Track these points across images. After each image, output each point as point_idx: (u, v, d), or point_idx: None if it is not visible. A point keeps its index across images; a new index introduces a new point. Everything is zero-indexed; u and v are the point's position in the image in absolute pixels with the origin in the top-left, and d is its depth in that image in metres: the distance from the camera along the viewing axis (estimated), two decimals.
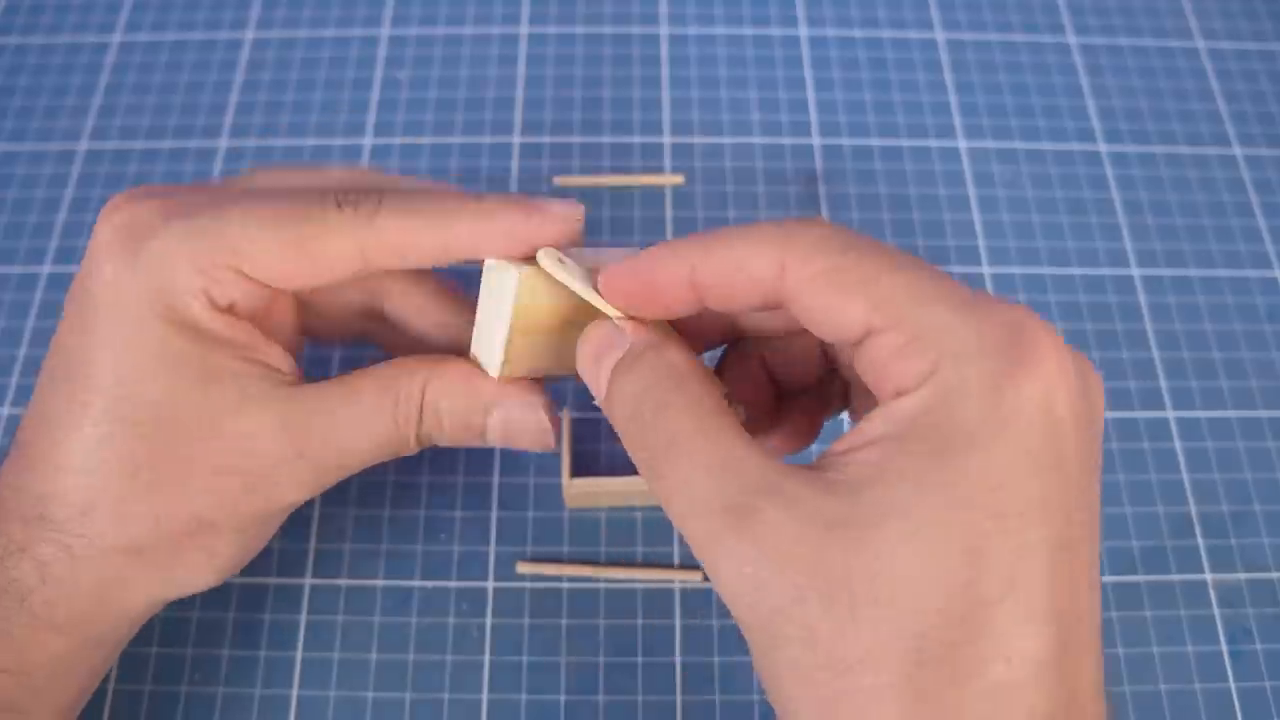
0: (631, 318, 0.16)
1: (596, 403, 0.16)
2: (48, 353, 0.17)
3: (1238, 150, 0.30)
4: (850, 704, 0.12)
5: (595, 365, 0.15)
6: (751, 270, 0.14)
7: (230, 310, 0.17)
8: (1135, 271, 0.27)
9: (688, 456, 0.13)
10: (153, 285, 0.16)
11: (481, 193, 0.17)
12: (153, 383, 0.16)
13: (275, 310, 0.18)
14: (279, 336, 0.18)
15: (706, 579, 0.23)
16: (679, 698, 0.21)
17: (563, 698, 0.21)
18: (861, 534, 0.12)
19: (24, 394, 0.25)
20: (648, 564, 0.23)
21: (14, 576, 0.16)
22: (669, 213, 0.28)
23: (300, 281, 0.17)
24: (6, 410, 0.25)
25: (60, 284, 0.27)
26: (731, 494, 0.13)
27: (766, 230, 0.14)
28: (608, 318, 0.16)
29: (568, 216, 0.16)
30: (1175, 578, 0.23)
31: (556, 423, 0.18)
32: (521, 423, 0.17)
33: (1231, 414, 0.25)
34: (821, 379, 0.18)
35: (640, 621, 0.22)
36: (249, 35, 0.31)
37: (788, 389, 0.18)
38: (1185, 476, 0.24)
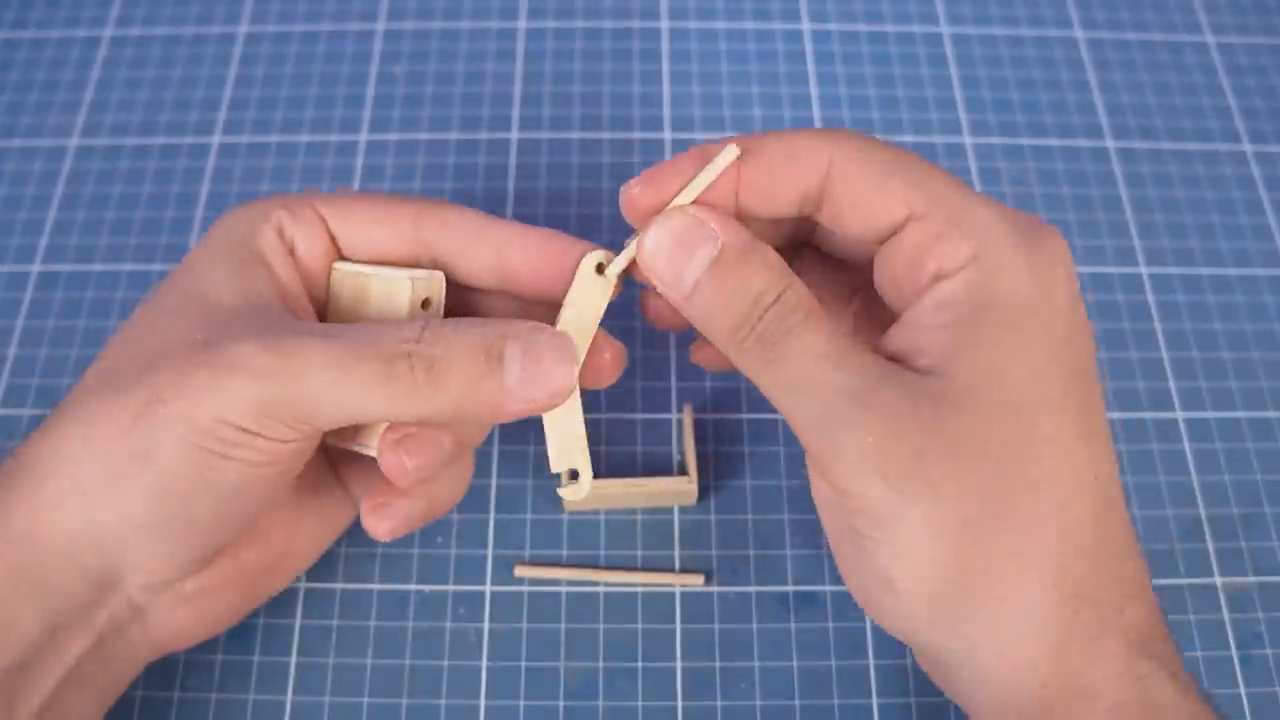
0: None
1: (666, 293, 0.16)
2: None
3: (1248, 147, 0.29)
4: (980, 547, 0.14)
5: (682, 257, 0.16)
6: (803, 157, 0.16)
7: (291, 250, 0.18)
8: (1143, 270, 0.27)
9: (810, 347, 0.15)
10: (244, 210, 0.18)
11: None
12: (195, 286, 0.17)
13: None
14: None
15: (707, 582, 0.22)
16: (680, 703, 0.21)
17: (562, 703, 0.21)
18: (959, 400, 0.14)
19: (15, 394, 0.25)
20: (648, 568, 0.23)
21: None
22: None
23: (364, 242, 0.18)
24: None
25: (50, 282, 0.27)
26: (851, 379, 0.15)
27: (813, 130, 0.16)
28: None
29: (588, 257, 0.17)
30: (1184, 581, 0.23)
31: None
32: (546, 345, 0.16)
33: (1241, 415, 0.25)
34: None
35: (640, 626, 0.22)
36: (242, 30, 0.31)
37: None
38: (1194, 478, 0.24)
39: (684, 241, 0.16)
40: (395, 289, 0.17)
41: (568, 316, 0.17)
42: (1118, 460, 0.16)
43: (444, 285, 0.18)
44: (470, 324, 0.16)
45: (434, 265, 0.18)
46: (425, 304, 0.18)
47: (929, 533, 0.14)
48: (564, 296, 0.17)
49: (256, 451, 0.16)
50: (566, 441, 0.18)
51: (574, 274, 0.17)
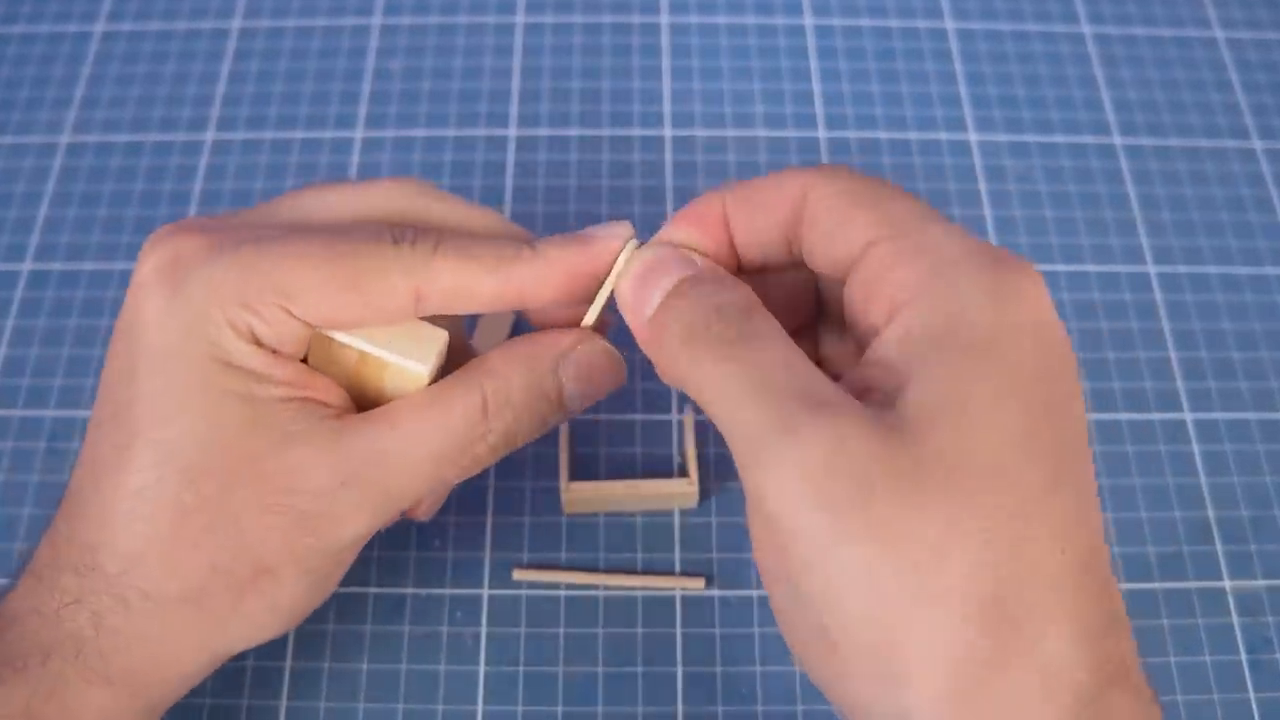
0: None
1: (629, 318, 0.16)
2: (97, 394, 0.17)
3: (1257, 144, 0.29)
4: (923, 606, 0.12)
5: (651, 279, 0.15)
6: (778, 192, 0.15)
7: (276, 350, 0.16)
8: (1151, 269, 0.27)
9: (770, 353, 0.14)
10: (195, 323, 0.15)
11: (532, 236, 0.17)
12: (195, 423, 0.15)
13: None
14: None
15: (708, 585, 0.22)
16: (680, 708, 0.21)
17: (560, 708, 0.21)
18: (915, 435, 0.13)
19: (6, 394, 0.25)
20: (648, 571, 0.22)
21: (69, 630, 0.15)
22: (669, 208, 0.27)
23: (348, 321, 0.16)
24: None
25: (41, 281, 0.26)
26: (809, 388, 0.13)
27: (796, 167, 0.16)
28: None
29: (619, 236, 0.16)
30: (1192, 585, 0.22)
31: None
32: (594, 356, 0.17)
33: (1251, 416, 0.25)
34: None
35: (640, 630, 0.22)
36: (236, 25, 0.31)
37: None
38: (1203, 480, 0.24)
39: (655, 269, 0.15)
40: (412, 376, 0.16)
41: (604, 298, 0.17)
42: (1102, 514, 0.13)
43: (447, 344, 0.17)
44: (517, 367, 0.16)
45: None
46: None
47: (866, 579, 0.12)
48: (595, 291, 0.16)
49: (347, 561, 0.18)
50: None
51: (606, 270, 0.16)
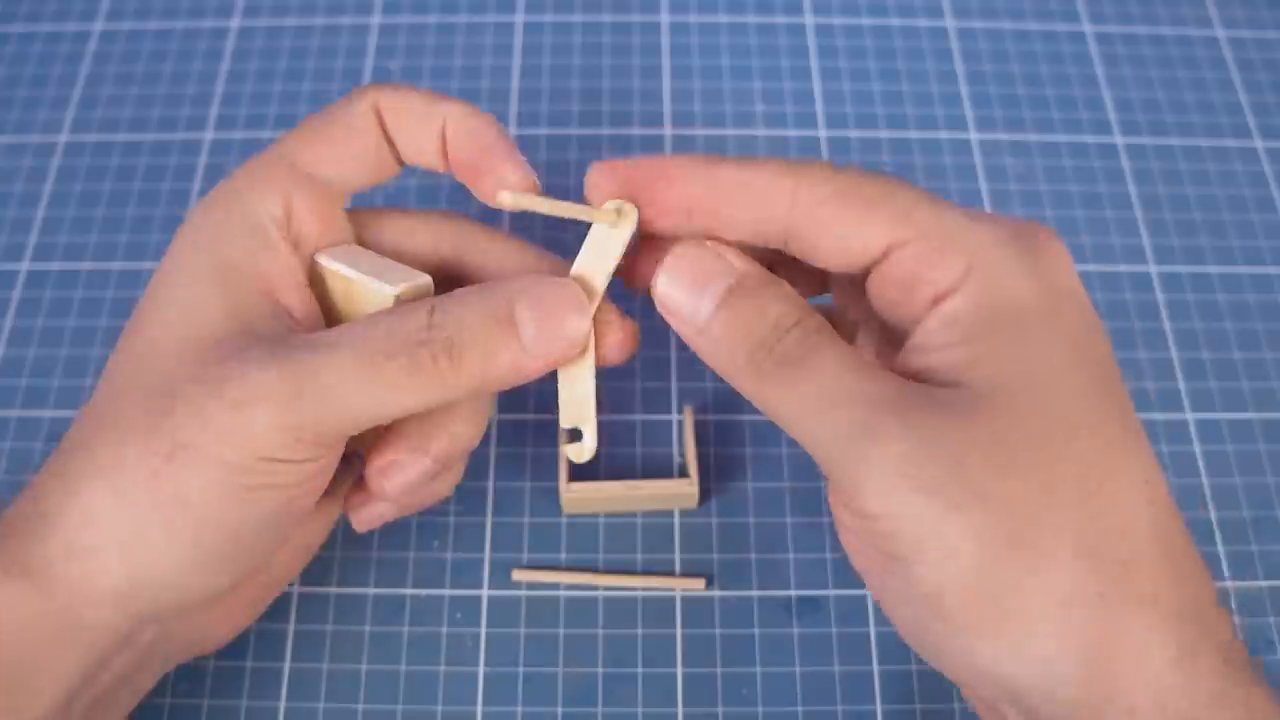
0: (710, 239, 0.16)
1: (679, 327, 0.16)
2: None
3: (1259, 143, 0.29)
4: (1035, 551, 0.13)
5: (697, 288, 0.15)
6: (759, 190, 0.15)
7: (288, 223, 0.17)
8: (1153, 268, 0.27)
9: (836, 363, 0.15)
10: (214, 203, 0.17)
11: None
12: (178, 309, 0.16)
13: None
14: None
15: (708, 586, 0.22)
16: (680, 709, 0.21)
17: (560, 709, 0.21)
18: (990, 407, 0.13)
19: (4, 395, 0.25)
20: (647, 572, 0.22)
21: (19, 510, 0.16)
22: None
23: (342, 162, 0.17)
24: None
25: (39, 281, 0.26)
26: (882, 390, 0.14)
27: (777, 162, 0.15)
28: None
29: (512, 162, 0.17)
30: None
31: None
32: (553, 297, 0.16)
33: (1253, 416, 0.25)
34: None
35: (640, 631, 0.22)
36: (235, 24, 0.30)
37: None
38: (1205, 481, 0.24)
39: (699, 273, 0.15)
40: (380, 298, 0.17)
41: (578, 265, 0.17)
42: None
43: (432, 290, 0.18)
44: (472, 293, 0.16)
45: (402, 161, 0.18)
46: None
47: (977, 540, 0.13)
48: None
49: (289, 476, 0.15)
50: (577, 399, 0.17)
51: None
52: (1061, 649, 0.13)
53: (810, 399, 0.14)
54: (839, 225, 0.15)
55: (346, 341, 0.15)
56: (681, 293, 0.15)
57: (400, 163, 0.18)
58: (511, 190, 0.16)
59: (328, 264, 0.17)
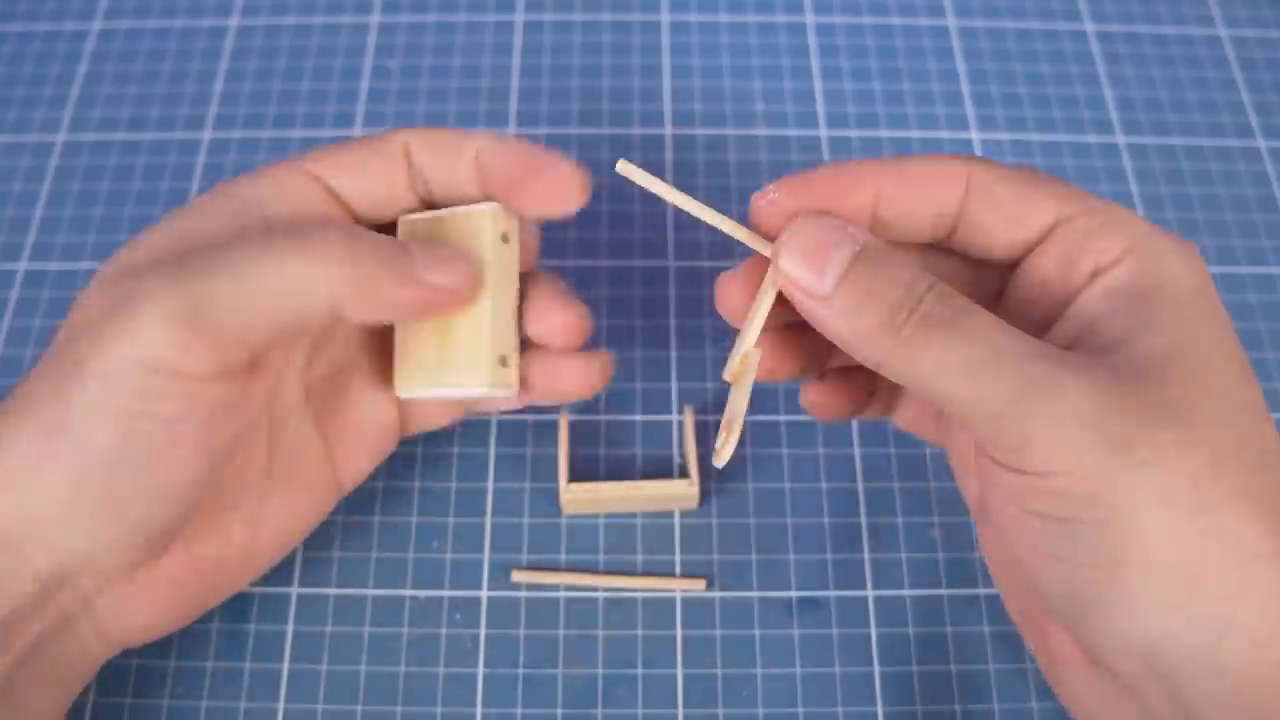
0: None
1: (802, 300, 0.15)
2: None
3: (1261, 142, 0.29)
4: (1219, 515, 0.13)
5: (821, 256, 0.15)
6: (941, 175, 0.16)
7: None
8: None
9: (989, 320, 0.14)
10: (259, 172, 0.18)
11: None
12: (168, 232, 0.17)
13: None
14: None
15: (709, 587, 0.22)
16: (680, 711, 0.21)
17: (560, 711, 0.21)
18: (1155, 371, 0.14)
19: (3, 396, 0.25)
20: (648, 573, 0.22)
21: None
22: (669, 206, 0.27)
23: (368, 184, 0.18)
24: None
25: (37, 281, 0.26)
26: (1045, 347, 0.14)
27: (944, 155, 0.16)
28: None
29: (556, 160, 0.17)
30: None
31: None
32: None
33: None
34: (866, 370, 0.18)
35: (640, 632, 0.22)
36: (234, 22, 0.30)
37: (836, 363, 0.19)
38: None
39: (824, 242, 0.15)
40: (477, 223, 0.17)
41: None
42: None
43: (518, 223, 0.18)
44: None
45: (427, 197, 0.18)
46: (504, 239, 0.18)
47: (1161, 501, 0.13)
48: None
49: (178, 400, 0.14)
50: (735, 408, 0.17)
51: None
52: (1238, 613, 0.13)
53: (971, 356, 0.14)
54: (1012, 202, 0.16)
55: (253, 235, 0.15)
56: (803, 265, 0.15)
57: (418, 198, 0.18)
58: (623, 169, 0.16)
59: (412, 216, 0.18)
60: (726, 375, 0.17)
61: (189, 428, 0.15)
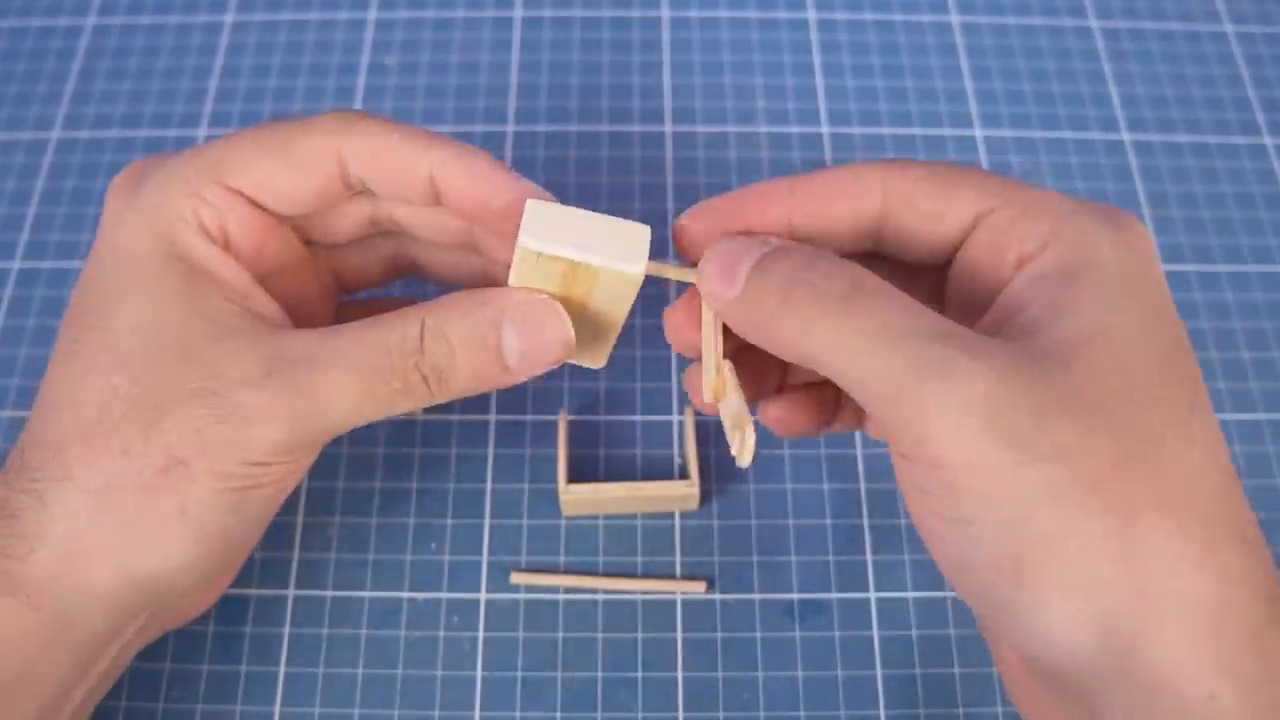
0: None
1: (717, 302, 0.15)
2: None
3: (1268, 140, 0.28)
4: (1124, 515, 0.12)
5: (732, 265, 0.15)
6: (853, 187, 0.16)
7: (225, 243, 0.17)
8: (1160, 267, 0.26)
9: (893, 299, 0.14)
10: (147, 220, 0.16)
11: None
12: (137, 313, 0.16)
13: (292, 273, 0.18)
14: (296, 299, 0.18)
15: (709, 589, 0.22)
16: (680, 714, 0.21)
17: (559, 714, 0.20)
18: (1067, 358, 0.13)
19: None
20: (648, 574, 0.22)
21: None
22: (669, 205, 0.27)
23: (281, 189, 0.17)
24: None
25: (32, 280, 0.26)
26: (947, 325, 0.13)
27: (862, 163, 0.16)
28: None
29: (531, 192, 0.17)
30: None
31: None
32: (538, 310, 0.16)
33: (1262, 417, 0.24)
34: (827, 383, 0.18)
35: (640, 635, 0.21)
36: (229, 18, 0.30)
37: (796, 380, 0.19)
38: None
39: (736, 253, 0.15)
40: (621, 289, 0.16)
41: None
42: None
43: (649, 240, 0.16)
44: (461, 309, 0.16)
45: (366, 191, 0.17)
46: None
47: (1058, 498, 0.12)
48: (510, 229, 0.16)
49: (279, 474, 0.16)
50: (733, 413, 0.16)
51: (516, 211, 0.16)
52: (1148, 624, 0.12)
53: (869, 331, 0.13)
54: (931, 202, 0.15)
55: (341, 361, 0.16)
56: (717, 279, 0.15)
57: (350, 190, 0.17)
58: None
59: (548, 250, 0.15)
60: (708, 397, 0.16)
61: (288, 484, 0.17)
